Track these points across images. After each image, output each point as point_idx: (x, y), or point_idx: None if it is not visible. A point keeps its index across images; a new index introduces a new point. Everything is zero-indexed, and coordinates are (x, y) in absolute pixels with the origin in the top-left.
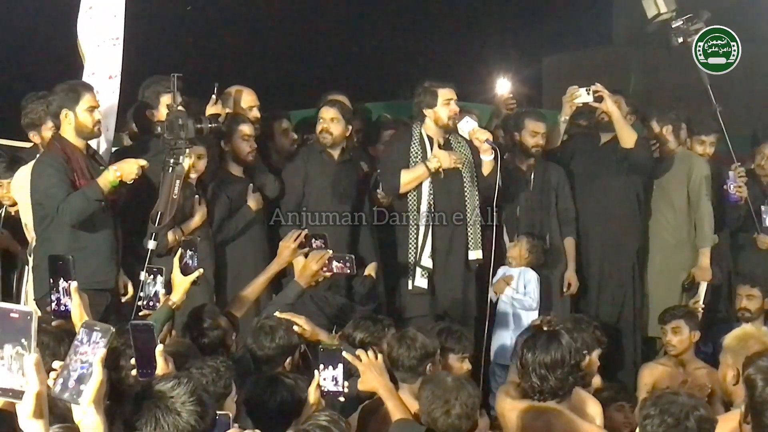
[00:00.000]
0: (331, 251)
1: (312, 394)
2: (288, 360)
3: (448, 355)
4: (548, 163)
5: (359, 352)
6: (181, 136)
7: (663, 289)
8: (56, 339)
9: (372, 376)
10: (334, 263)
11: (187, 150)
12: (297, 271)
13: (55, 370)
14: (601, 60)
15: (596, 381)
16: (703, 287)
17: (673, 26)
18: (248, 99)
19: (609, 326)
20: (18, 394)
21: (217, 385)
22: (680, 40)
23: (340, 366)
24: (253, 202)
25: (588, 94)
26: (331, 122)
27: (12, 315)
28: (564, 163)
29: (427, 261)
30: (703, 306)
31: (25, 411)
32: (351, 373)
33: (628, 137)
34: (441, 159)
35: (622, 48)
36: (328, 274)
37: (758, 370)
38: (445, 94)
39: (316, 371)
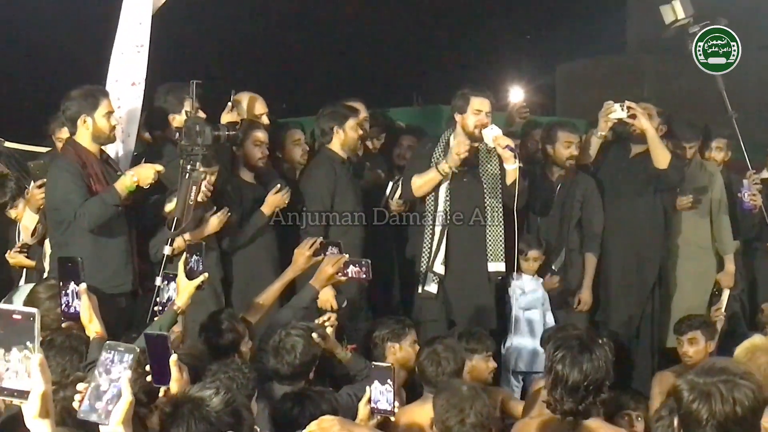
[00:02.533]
0: (347, 255)
1: (362, 410)
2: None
3: (473, 356)
4: (578, 175)
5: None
6: (198, 142)
7: (689, 294)
8: (61, 353)
9: None
10: (351, 267)
11: (208, 169)
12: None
13: (80, 392)
14: (614, 67)
15: None
16: (725, 295)
17: (690, 32)
18: (259, 106)
19: (627, 338)
20: (23, 395)
21: (248, 388)
22: None
23: (391, 384)
24: (268, 206)
25: (623, 110)
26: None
27: (15, 317)
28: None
29: (439, 267)
30: (725, 314)
31: (31, 411)
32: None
33: (662, 158)
34: (449, 160)
35: (635, 55)
36: (343, 278)
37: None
38: (476, 103)
39: (368, 387)
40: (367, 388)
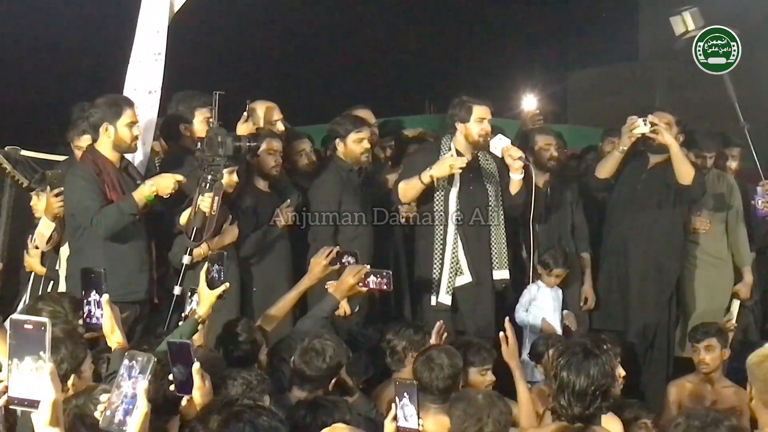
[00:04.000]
0: (368, 266)
1: (387, 427)
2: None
3: (469, 369)
4: (564, 179)
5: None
6: (219, 153)
7: (706, 305)
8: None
9: None
10: (371, 278)
11: (226, 168)
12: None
13: (103, 403)
14: (626, 75)
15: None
16: (735, 305)
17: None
18: (274, 113)
19: (644, 348)
20: (34, 404)
21: (249, 397)
22: None
23: (416, 401)
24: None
25: (645, 124)
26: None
27: (26, 326)
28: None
29: (461, 279)
30: (735, 324)
31: (42, 419)
32: None
33: (686, 173)
34: (435, 169)
35: (647, 63)
36: (364, 289)
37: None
38: (479, 111)
39: (393, 405)
40: (392, 405)
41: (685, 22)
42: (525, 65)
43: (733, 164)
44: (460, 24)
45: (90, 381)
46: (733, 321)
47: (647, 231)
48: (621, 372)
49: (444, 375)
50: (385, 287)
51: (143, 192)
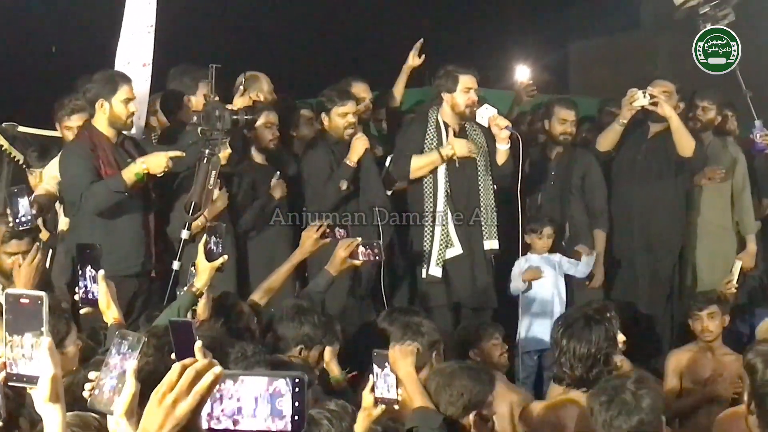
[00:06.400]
0: (360, 239)
1: (366, 398)
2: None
3: (480, 343)
4: (576, 151)
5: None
6: (217, 127)
7: (709, 274)
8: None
9: (397, 361)
10: (361, 249)
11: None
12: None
13: (92, 381)
14: (628, 45)
15: (625, 365)
16: (736, 267)
17: (700, 12)
18: (265, 84)
19: (652, 318)
20: (33, 380)
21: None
22: (708, 26)
23: (392, 371)
24: (277, 190)
25: (645, 97)
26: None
27: (22, 300)
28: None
29: (451, 251)
30: (737, 286)
31: (41, 395)
32: None
33: (687, 145)
34: (456, 147)
35: (649, 33)
36: (357, 262)
37: (758, 354)
38: (465, 81)
39: (370, 375)
40: (370, 375)
41: None
42: (524, 35)
43: (707, 116)
44: None
45: (75, 358)
46: (734, 282)
47: (650, 201)
48: (621, 338)
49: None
50: (377, 258)
51: (132, 170)
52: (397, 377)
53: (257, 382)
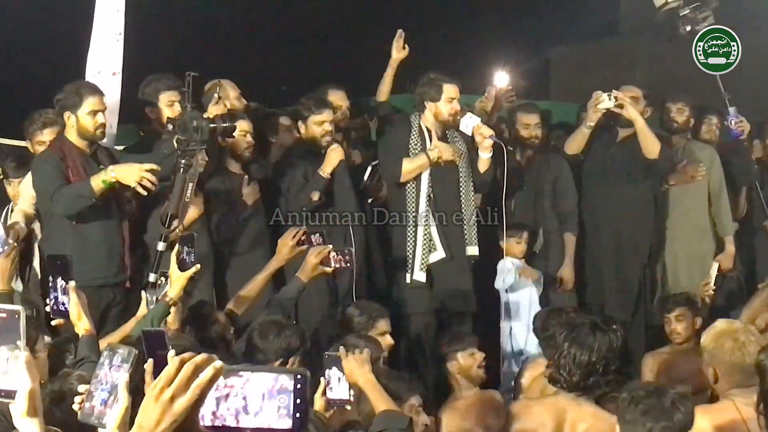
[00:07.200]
0: (331, 246)
1: (317, 401)
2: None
3: (456, 355)
4: (548, 156)
5: (341, 349)
6: (194, 138)
7: (686, 276)
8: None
9: (354, 370)
10: (333, 255)
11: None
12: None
13: (81, 394)
14: (608, 51)
15: None
16: (714, 269)
17: (680, 15)
18: (231, 90)
19: (622, 321)
20: (11, 394)
21: None
22: (688, 28)
23: (344, 372)
24: (249, 196)
25: (610, 99)
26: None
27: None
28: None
29: (434, 256)
30: (714, 287)
31: (19, 410)
32: None
33: (652, 147)
34: (441, 150)
35: (629, 39)
36: (329, 269)
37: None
38: (449, 90)
39: (321, 378)
40: (321, 378)
41: None
42: (503, 41)
43: (680, 118)
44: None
45: (45, 364)
46: (711, 284)
47: (618, 204)
48: None
49: None
50: (348, 265)
51: (100, 177)
52: (357, 386)
53: (262, 379)
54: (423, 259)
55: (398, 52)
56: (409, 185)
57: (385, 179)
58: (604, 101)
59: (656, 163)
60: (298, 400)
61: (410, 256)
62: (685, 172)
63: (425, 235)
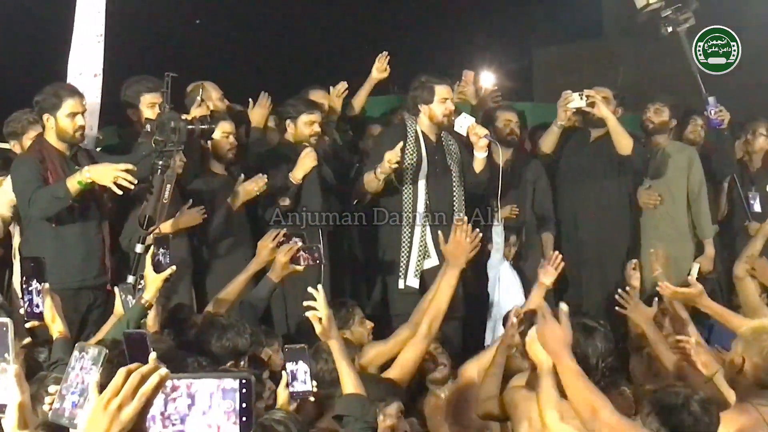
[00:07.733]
0: (299, 243)
1: (281, 395)
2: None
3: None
4: (528, 158)
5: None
6: (172, 139)
7: (666, 277)
8: None
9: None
10: (301, 254)
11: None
12: None
13: (51, 394)
14: (592, 52)
15: None
16: (695, 269)
17: (662, 16)
18: (214, 92)
19: (599, 318)
20: (1, 409)
21: None
22: (669, 29)
23: (308, 365)
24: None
25: (581, 98)
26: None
27: None
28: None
29: (428, 262)
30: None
31: (9, 423)
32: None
33: (625, 144)
34: (389, 158)
35: (611, 40)
36: (299, 267)
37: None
38: (441, 91)
39: (283, 372)
40: (283, 372)
41: None
42: (487, 42)
43: (657, 118)
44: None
45: (21, 367)
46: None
47: (595, 203)
48: None
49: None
50: (317, 262)
51: (76, 178)
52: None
53: (207, 384)
54: (418, 265)
55: (379, 73)
56: (405, 189)
57: (354, 194)
58: (575, 100)
59: (630, 160)
60: (244, 404)
61: (404, 261)
62: (640, 196)
63: (421, 240)
